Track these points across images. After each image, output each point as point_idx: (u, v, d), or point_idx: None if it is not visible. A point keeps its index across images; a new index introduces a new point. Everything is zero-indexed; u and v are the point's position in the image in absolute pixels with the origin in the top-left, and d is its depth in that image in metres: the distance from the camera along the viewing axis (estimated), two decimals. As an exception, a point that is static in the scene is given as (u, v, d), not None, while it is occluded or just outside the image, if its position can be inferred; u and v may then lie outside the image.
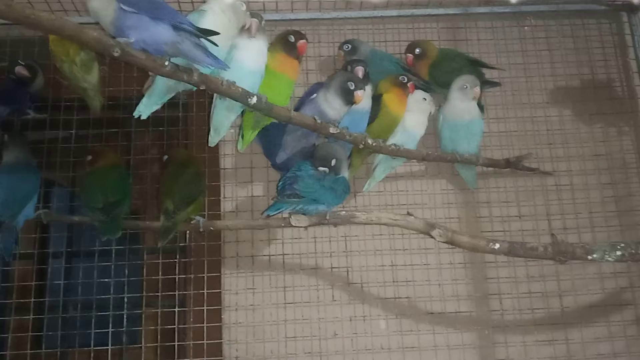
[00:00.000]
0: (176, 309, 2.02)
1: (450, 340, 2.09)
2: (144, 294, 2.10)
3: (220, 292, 2.05)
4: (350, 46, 2.10)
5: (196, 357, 1.98)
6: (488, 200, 2.22)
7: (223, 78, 1.53)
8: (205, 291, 2.01)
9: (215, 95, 1.80)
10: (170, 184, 1.83)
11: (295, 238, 2.12)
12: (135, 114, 1.70)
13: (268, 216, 1.79)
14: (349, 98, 1.80)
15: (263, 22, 1.77)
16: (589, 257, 1.65)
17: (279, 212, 1.77)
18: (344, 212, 1.79)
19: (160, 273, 2.03)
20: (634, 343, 2.09)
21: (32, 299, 2.01)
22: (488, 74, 2.17)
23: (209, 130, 1.89)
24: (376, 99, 1.99)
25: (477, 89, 1.99)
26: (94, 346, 1.97)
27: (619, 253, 1.63)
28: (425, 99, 2.06)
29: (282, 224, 1.80)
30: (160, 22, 1.39)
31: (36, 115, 2.08)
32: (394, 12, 2.32)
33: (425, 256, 2.14)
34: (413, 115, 2.04)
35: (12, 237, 1.75)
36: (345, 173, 1.85)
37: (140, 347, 2.02)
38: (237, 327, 2.04)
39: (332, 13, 2.30)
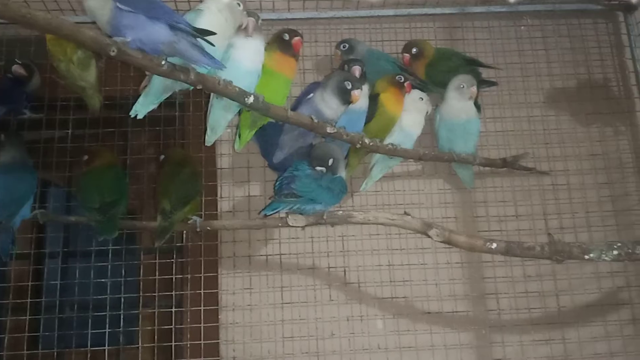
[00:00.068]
0: (173, 309, 2.02)
1: (447, 340, 2.09)
2: (141, 294, 2.09)
3: (217, 292, 2.05)
4: (347, 45, 2.10)
5: (193, 357, 1.97)
6: (485, 200, 2.22)
7: (220, 77, 1.52)
8: (202, 291, 2.01)
9: (212, 94, 1.79)
10: (167, 184, 1.82)
11: (293, 238, 2.12)
12: (132, 114, 1.69)
13: (265, 216, 1.78)
14: (346, 97, 1.80)
15: (260, 21, 1.77)
16: (586, 257, 1.65)
17: (276, 212, 1.76)
18: (341, 212, 1.79)
19: (157, 273, 2.03)
20: (631, 342, 2.09)
21: (29, 299, 2.00)
22: (485, 73, 2.17)
23: (205, 130, 1.89)
24: (373, 98, 1.99)
25: (474, 89, 1.99)
26: (90, 346, 1.96)
27: (615, 252, 1.64)
28: (422, 99, 2.06)
29: (280, 224, 1.80)
30: (156, 22, 1.38)
31: (32, 115, 2.08)
32: (391, 12, 2.33)
33: (422, 256, 2.15)
34: (410, 115, 2.04)
35: (9, 237, 1.74)
36: (342, 173, 1.85)
37: (137, 347, 2.02)
38: (234, 327, 2.04)
39: (329, 12, 2.31)
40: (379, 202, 2.18)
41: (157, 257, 2.05)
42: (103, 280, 2.02)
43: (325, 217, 1.76)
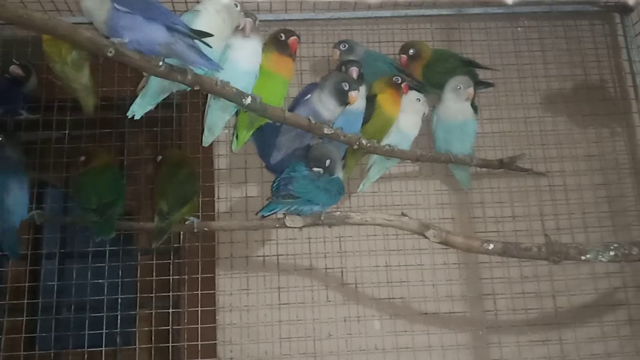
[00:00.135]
0: (170, 310, 2.02)
1: (444, 341, 2.09)
2: (138, 295, 2.09)
3: (214, 293, 2.05)
4: (347, 45, 2.10)
5: (190, 358, 1.97)
6: (482, 201, 2.22)
7: (217, 78, 1.52)
8: (199, 292, 2.01)
9: (209, 95, 1.79)
10: (164, 185, 1.82)
11: (290, 239, 2.12)
12: (129, 114, 1.69)
13: (262, 217, 1.79)
14: (343, 99, 1.80)
15: (257, 22, 1.77)
16: (583, 258, 1.66)
17: (274, 213, 1.76)
18: (338, 213, 1.79)
19: (154, 274, 2.03)
20: (627, 343, 2.10)
21: (26, 300, 1.99)
22: (482, 74, 2.17)
23: (203, 131, 1.88)
24: (370, 99, 1.99)
25: (471, 90, 2.00)
26: (87, 347, 1.96)
27: (612, 253, 1.64)
28: (419, 100, 2.06)
29: (277, 225, 1.80)
30: (154, 23, 1.38)
31: (29, 115, 2.07)
32: (388, 13, 2.33)
33: (420, 257, 2.15)
34: (407, 116, 2.04)
35: (13, 237, 1.75)
36: (339, 174, 1.85)
37: (134, 348, 2.01)
38: (231, 328, 2.04)
39: (326, 14, 2.31)
40: (376, 203, 2.18)
41: (155, 258, 2.05)
42: (100, 281, 2.01)
43: (322, 218, 1.76)
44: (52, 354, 1.99)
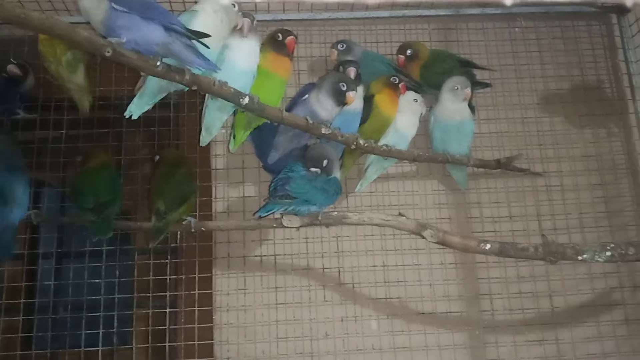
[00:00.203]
0: (167, 310, 2.02)
1: (441, 341, 2.09)
2: (135, 294, 2.09)
3: (211, 292, 2.05)
4: (344, 45, 2.10)
5: (187, 358, 1.97)
6: (479, 201, 2.23)
7: (215, 78, 1.52)
8: (196, 292, 2.01)
9: (206, 95, 1.79)
10: (161, 185, 1.82)
11: (287, 239, 2.12)
12: (127, 114, 1.69)
13: (260, 217, 1.79)
14: (341, 99, 1.80)
15: (255, 22, 1.77)
16: (579, 258, 1.66)
17: (271, 213, 1.76)
18: (335, 213, 1.79)
19: (151, 274, 2.03)
20: (624, 343, 2.10)
21: (22, 300, 1.99)
22: (479, 75, 2.17)
23: (200, 131, 1.88)
24: (368, 99, 1.99)
25: (468, 90, 2.00)
26: (84, 347, 1.96)
27: (608, 253, 1.64)
28: (417, 100, 2.07)
29: (274, 225, 1.80)
30: (151, 22, 1.38)
31: (26, 115, 2.07)
32: (386, 13, 2.33)
33: (417, 256, 2.15)
34: (404, 116, 2.04)
35: (11, 235, 1.74)
36: (337, 174, 1.85)
37: (131, 348, 2.01)
38: (228, 327, 2.04)
39: (324, 14, 2.30)
40: (373, 203, 2.19)
41: (152, 258, 2.05)
42: (97, 280, 2.01)
43: (320, 218, 1.76)
44: (49, 354, 1.99)
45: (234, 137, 1.90)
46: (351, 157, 2.04)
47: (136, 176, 2.14)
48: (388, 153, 1.93)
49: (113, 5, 1.35)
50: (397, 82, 2.02)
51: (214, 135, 1.90)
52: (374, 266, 2.14)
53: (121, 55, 1.34)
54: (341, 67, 1.96)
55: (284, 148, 1.90)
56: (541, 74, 2.36)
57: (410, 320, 2.11)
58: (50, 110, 2.11)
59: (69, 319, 2.01)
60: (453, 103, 2.02)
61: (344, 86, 1.80)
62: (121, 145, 2.14)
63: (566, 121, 2.33)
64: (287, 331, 2.05)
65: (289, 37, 1.86)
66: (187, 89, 1.54)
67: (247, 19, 1.73)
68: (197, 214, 1.98)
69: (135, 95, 1.70)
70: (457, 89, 2.00)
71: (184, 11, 1.73)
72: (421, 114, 2.09)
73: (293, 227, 1.77)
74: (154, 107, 1.73)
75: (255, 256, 2.11)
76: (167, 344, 1.97)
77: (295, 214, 1.76)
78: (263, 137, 1.93)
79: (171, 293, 2.03)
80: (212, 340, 2.01)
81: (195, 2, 1.69)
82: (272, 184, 1.78)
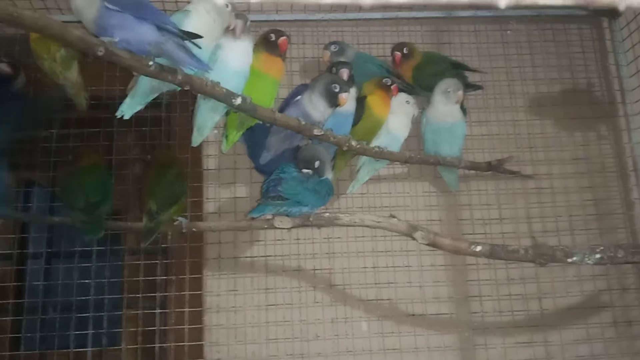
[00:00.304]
0: (157, 311, 2.01)
1: (431, 342, 2.10)
2: (125, 295, 2.08)
3: (201, 293, 2.04)
4: (337, 47, 2.10)
5: (177, 359, 1.96)
6: (470, 203, 2.23)
7: (208, 79, 1.52)
8: (186, 293, 2.00)
9: (198, 95, 1.79)
10: (153, 185, 1.81)
11: (278, 240, 2.12)
12: (118, 114, 1.68)
13: (252, 218, 1.78)
14: (333, 100, 1.80)
15: (248, 23, 1.76)
16: (569, 260, 1.66)
17: (263, 214, 1.76)
18: (327, 214, 1.79)
19: (141, 274, 2.02)
20: (612, 345, 2.12)
21: (11, 300, 1.98)
22: (470, 77, 2.18)
23: (192, 131, 1.88)
24: (360, 101, 1.99)
25: (460, 93, 2.01)
26: (73, 348, 1.95)
27: (598, 256, 1.65)
28: (409, 102, 2.07)
29: (265, 226, 1.79)
30: (144, 22, 1.38)
31: None
32: (378, 15, 2.33)
33: (407, 258, 2.15)
34: (396, 118, 2.05)
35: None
36: (328, 175, 1.85)
37: (121, 349, 2.01)
38: (218, 329, 2.04)
39: (317, 15, 2.30)
40: (365, 205, 2.19)
41: (142, 258, 2.04)
42: (87, 281, 2.00)
43: (311, 219, 1.76)
44: (38, 355, 1.97)
45: (227, 138, 1.89)
46: (343, 159, 2.04)
47: (127, 176, 2.13)
48: (380, 154, 1.93)
49: (106, 4, 1.35)
50: (389, 83, 2.02)
51: (205, 136, 1.89)
52: (365, 268, 2.14)
53: (114, 54, 1.34)
54: (334, 69, 1.96)
55: (276, 149, 1.90)
56: (532, 76, 2.37)
57: (400, 322, 2.11)
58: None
59: (58, 320, 2.01)
60: (445, 105, 2.02)
61: (336, 87, 1.80)
62: (112, 145, 2.13)
63: (557, 124, 2.34)
64: (277, 332, 2.05)
65: (282, 38, 1.86)
66: (180, 89, 1.53)
67: (240, 20, 1.72)
68: (187, 214, 1.97)
69: (127, 95, 1.69)
70: (450, 91, 2.00)
71: (176, 11, 1.72)
72: (413, 115, 2.09)
73: (284, 229, 1.77)
74: (145, 107, 1.72)
75: (246, 257, 2.11)
76: (156, 345, 1.97)
77: (287, 215, 1.75)
78: (255, 137, 1.93)
79: (161, 294, 2.02)
80: (202, 341, 2.01)
81: (188, 2, 1.68)
82: (264, 185, 1.77)
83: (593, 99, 2.38)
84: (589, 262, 1.66)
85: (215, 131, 2.11)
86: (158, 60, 1.42)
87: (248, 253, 2.11)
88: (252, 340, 2.04)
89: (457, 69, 2.14)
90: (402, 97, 2.07)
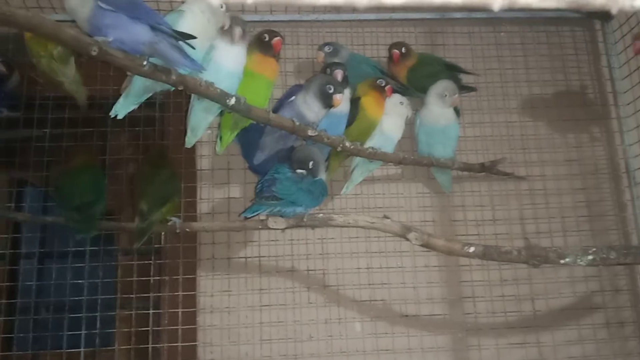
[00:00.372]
0: (150, 311, 2.00)
1: (424, 343, 2.10)
2: (118, 295, 2.08)
3: (195, 294, 2.04)
4: (331, 48, 2.10)
5: (170, 359, 1.96)
6: (463, 204, 2.24)
7: (202, 79, 1.52)
8: (180, 293, 2.00)
9: (192, 95, 1.78)
10: (144, 185, 1.80)
11: (272, 240, 2.12)
12: (112, 114, 1.67)
13: (245, 218, 1.78)
14: (327, 101, 1.80)
15: (246, 30, 1.75)
16: (562, 261, 1.67)
17: (257, 214, 1.76)
18: (321, 215, 1.79)
19: (134, 275, 2.01)
20: (604, 346, 2.13)
21: (3, 300, 1.97)
22: (464, 78, 2.19)
23: (185, 131, 1.87)
24: (354, 102, 1.99)
25: (456, 97, 2.02)
26: (66, 348, 1.94)
27: (590, 257, 1.65)
28: (402, 103, 2.07)
29: (259, 226, 1.79)
30: (138, 22, 1.37)
31: (9, 113, 2.05)
32: (372, 16, 2.33)
33: (401, 259, 2.16)
34: (390, 119, 2.05)
35: None
36: (322, 175, 1.85)
37: (114, 349, 2.00)
38: (212, 329, 2.03)
39: (311, 15, 2.31)
40: (359, 205, 2.19)
41: (135, 259, 2.03)
42: (80, 281, 1.99)
43: (305, 219, 1.76)
44: (30, 355, 1.97)
45: (221, 139, 1.89)
46: (337, 159, 2.04)
47: (121, 176, 2.13)
48: (374, 155, 1.94)
49: (99, 3, 1.34)
50: (383, 84, 2.02)
51: (199, 136, 1.88)
52: (359, 268, 2.14)
53: (107, 54, 1.33)
54: (328, 70, 1.96)
55: (270, 149, 1.90)
56: (525, 78, 2.38)
57: (394, 323, 2.11)
58: (34, 109, 2.08)
59: (51, 320, 2.00)
60: (439, 107, 2.03)
61: (331, 88, 1.80)
62: (106, 145, 2.12)
63: (550, 126, 2.35)
64: (270, 333, 2.05)
65: (276, 38, 1.85)
66: (173, 89, 1.53)
67: (239, 27, 1.71)
68: (181, 214, 1.97)
69: (120, 95, 1.68)
70: (446, 96, 2.01)
71: (171, 11, 1.71)
72: (407, 116, 2.09)
73: (278, 229, 1.77)
74: (139, 106, 1.72)
75: (240, 258, 2.10)
76: (150, 346, 1.96)
77: (281, 216, 1.75)
78: (249, 137, 1.92)
79: (155, 294, 2.01)
80: (196, 342, 2.00)
81: (183, 2, 1.68)
82: (259, 185, 1.77)
83: (586, 101, 2.39)
84: (581, 263, 1.66)
85: (209, 131, 2.11)
86: (152, 60, 1.42)
87: (242, 254, 2.11)
88: (246, 340, 2.03)
89: (451, 71, 2.15)
90: (396, 98, 2.07)
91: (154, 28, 1.39)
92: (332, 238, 2.15)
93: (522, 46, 2.41)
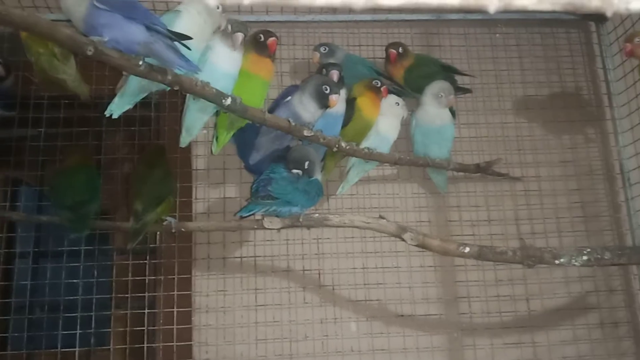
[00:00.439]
0: (146, 311, 2.00)
1: (419, 343, 2.10)
2: (113, 295, 2.07)
3: (190, 293, 2.04)
4: (327, 48, 2.11)
5: (166, 359, 1.96)
6: (458, 205, 2.24)
7: (197, 79, 1.52)
8: (175, 293, 2.00)
9: (187, 95, 1.78)
10: (139, 184, 1.80)
11: (268, 240, 2.12)
12: (107, 113, 1.67)
13: (241, 218, 1.78)
14: (323, 102, 1.80)
15: (247, 37, 1.76)
16: (556, 262, 1.67)
17: (252, 214, 1.76)
18: (317, 215, 1.79)
19: (130, 274, 2.01)
20: (599, 346, 2.13)
21: (-2, 300, 1.97)
22: (459, 79, 2.19)
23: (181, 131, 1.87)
24: (350, 102, 1.99)
25: (452, 98, 2.02)
26: (61, 348, 1.94)
27: (585, 258, 1.66)
28: (398, 103, 2.07)
29: (255, 226, 1.79)
30: (133, 22, 1.38)
31: (4, 113, 2.04)
32: (369, 17, 2.33)
33: (396, 259, 2.16)
34: (386, 119, 2.05)
35: None
36: (318, 175, 1.85)
37: (109, 349, 2.00)
38: (207, 329, 2.03)
39: (307, 16, 2.31)
40: (354, 206, 2.19)
41: (130, 258, 2.03)
42: (75, 280, 1.99)
43: (301, 219, 1.76)
44: (25, 355, 1.96)
45: (217, 139, 1.88)
46: (333, 160, 2.04)
47: (116, 175, 2.12)
48: (369, 156, 1.94)
49: (95, 3, 1.34)
50: (379, 85, 2.02)
51: (194, 136, 1.89)
52: (354, 268, 2.14)
53: (103, 53, 1.33)
54: (324, 70, 1.96)
55: (266, 149, 1.90)
56: (521, 79, 2.39)
57: (389, 323, 2.12)
58: (29, 108, 2.08)
59: (45, 319, 1.99)
60: (435, 108, 2.03)
61: (327, 89, 1.80)
62: (101, 144, 2.12)
63: (545, 127, 2.35)
64: (266, 333, 2.05)
65: (271, 39, 1.85)
66: (169, 88, 1.53)
67: (240, 33, 1.71)
68: (177, 214, 1.97)
69: (116, 94, 1.68)
70: (442, 96, 2.01)
71: (167, 11, 1.71)
72: (403, 117, 2.09)
73: (274, 229, 1.77)
74: (134, 106, 1.72)
75: (236, 257, 2.10)
76: (145, 345, 1.96)
77: (277, 216, 1.75)
78: (245, 137, 1.92)
79: (150, 294, 2.01)
80: (191, 341, 2.00)
81: (179, 2, 1.68)
82: (254, 185, 1.77)
83: (581, 102, 2.40)
84: (576, 263, 1.67)
85: (204, 131, 2.11)
86: (148, 60, 1.42)
87: (237, 253, 2.11)
88: (241, 340, 2.03)
89: (446, 72, 2.15)
90: (392, 98, 2.07)
91: (149, 28, 1.39)
92: (328, 238, 2.15)
93: (518, 47, 2.41)
